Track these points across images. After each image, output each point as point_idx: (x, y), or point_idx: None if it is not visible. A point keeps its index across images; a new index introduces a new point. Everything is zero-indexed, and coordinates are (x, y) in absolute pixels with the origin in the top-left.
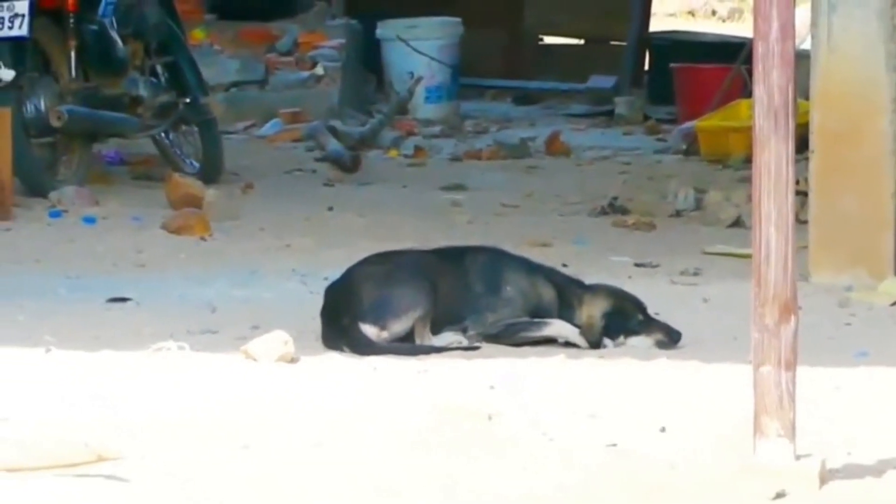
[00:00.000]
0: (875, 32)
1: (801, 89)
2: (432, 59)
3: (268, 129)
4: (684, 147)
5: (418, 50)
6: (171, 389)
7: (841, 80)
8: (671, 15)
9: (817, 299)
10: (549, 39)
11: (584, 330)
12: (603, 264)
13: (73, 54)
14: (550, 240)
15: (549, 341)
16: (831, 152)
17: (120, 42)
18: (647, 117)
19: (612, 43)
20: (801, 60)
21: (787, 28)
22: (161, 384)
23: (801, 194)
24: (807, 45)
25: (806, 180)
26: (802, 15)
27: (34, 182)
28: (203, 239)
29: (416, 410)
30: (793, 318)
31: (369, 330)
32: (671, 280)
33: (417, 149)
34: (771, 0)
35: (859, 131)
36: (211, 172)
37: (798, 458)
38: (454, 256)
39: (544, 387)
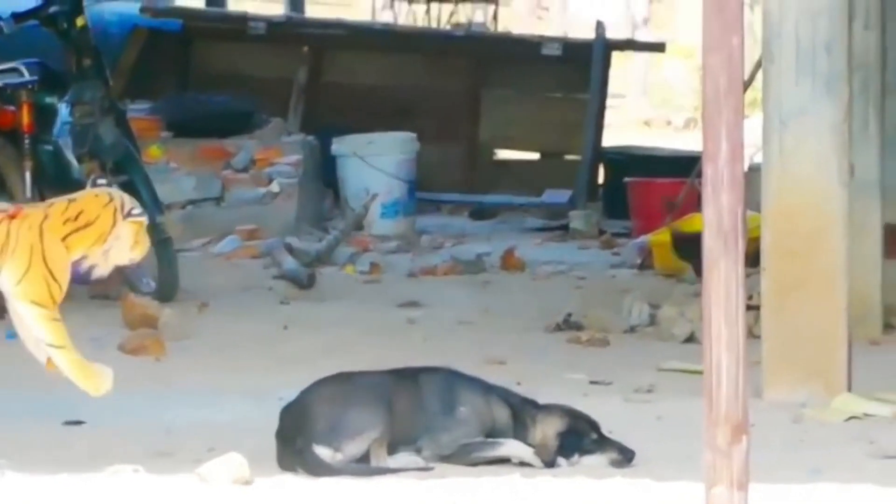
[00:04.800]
0: (828, 147)
1: (753, 202)
2: (388, 174)
3: (224, 246)
4: (639, 261)
5: (374, 166)
6: None
7: (793, 196)
8: (627, 126)
9: (771, 416)
10: (504, 154)
11: (539, 449)
12: (558, 382)
13: (28, 174)
14: (506, 357)
15: (504, 461)
16: (784, 268)
17: (75, 162)
18: (602, 231)
19: (567, 157)
20: (753, 175)
21: (737, 150)
22: None
23: (755, 309)
24: (758, 158)
25: (759, 295)
26: (754, 127)
27: None
28: (158, 359)
29: None
30: (744, 438)
31: (324, 452)
32: (625, 398)
33: (373, 265)
34: (720, 122)
35: (812, 247)
36: (167, 291)
37: None
38: (409, 377)
39: None
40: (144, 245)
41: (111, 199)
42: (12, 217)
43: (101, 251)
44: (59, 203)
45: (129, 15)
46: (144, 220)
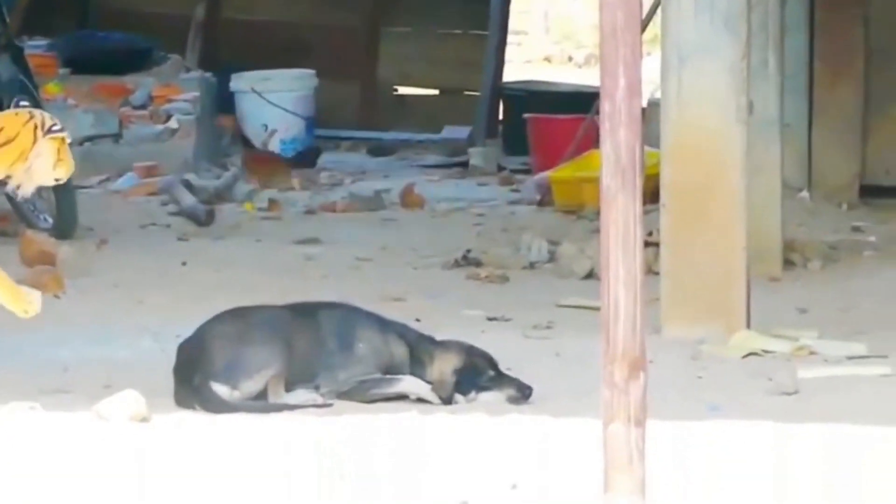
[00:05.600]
0: (726, 85)
1: (654, 138)
2: (286, 111)
3: (122, 183)
4: (538, 198)
5: (272, 102)
6: (20, 451)
7: (692, 134)
8: (528, 62)
9: (669, 352)
10: (403, 90)
11: (436, 386)
12: (456, 318)
13: None
14: (404, 294)
15: (402, 398)
16: (683, 206)
17: None
18: (501, 168)
19: (467, 93)
20: (654, 109)
21: (634, 86)
22: (10, 446)
23: (654, 245)
24: (659, 94)
25: (659, 231)
26: (655, 64)
27: None
28: (56, 297)
29: (268, 469)
30: (642, 374)
31: (221, 389)
32: (524, 334)
33: (272, 202)
34: (617, 58)
35: (711, 185)
36: (65, 228)
37: None
38: (307, 313)
39: (396, 444)
40: (68, 163)
41: (31, 117)
42: None
43: (23, 169)
44: None
45: None
46: (65, 136)
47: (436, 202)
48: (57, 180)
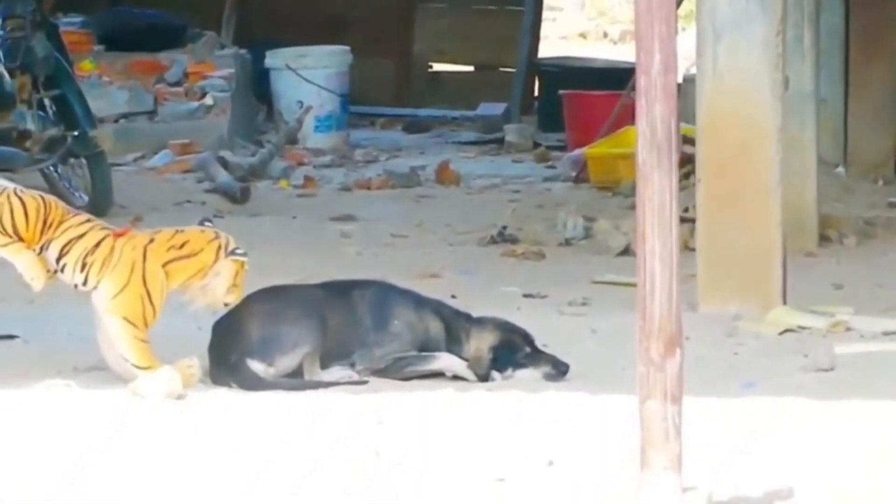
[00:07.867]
0: (760, 61)
1: (689, 114)
2: (321, 88)
3: (157, 160)
4: (574, 174)
5: (307, 79)
6: (57, 428)
7: (727, 110)
8: (563, 38)
9: (705, 329)
10: (438, 66)
11: (472, 363)
12: (492, 295)
13: None
14: (440, 271)
15: (438, 375)
16: (718, 181)
17: (7, 76)
18: (537, 144)
19: (502, 70)
20: (689, 85)
21: (669, 61)
22: (47, 423)
23: (690, 221)
24: (695, 70)
25: (695, 207)
26: (689, 41)
27: None
28: None
29: (304, 446)
30: (678, 351)
31: (257, 366)
32: (560, 311)
33: (307, 179)
34: (652, 33)
35: (746, 160)
36: (100, 205)
37: (684, 490)
38: (342, 291)
39: (432, 421)
40: (241, 289)
41: (217, 237)
42: (118, 236)
43: (199, 285)
44: (166, 231)
45: None
46: (246, 260)
47: (471, 179)
48: (226, 304)
